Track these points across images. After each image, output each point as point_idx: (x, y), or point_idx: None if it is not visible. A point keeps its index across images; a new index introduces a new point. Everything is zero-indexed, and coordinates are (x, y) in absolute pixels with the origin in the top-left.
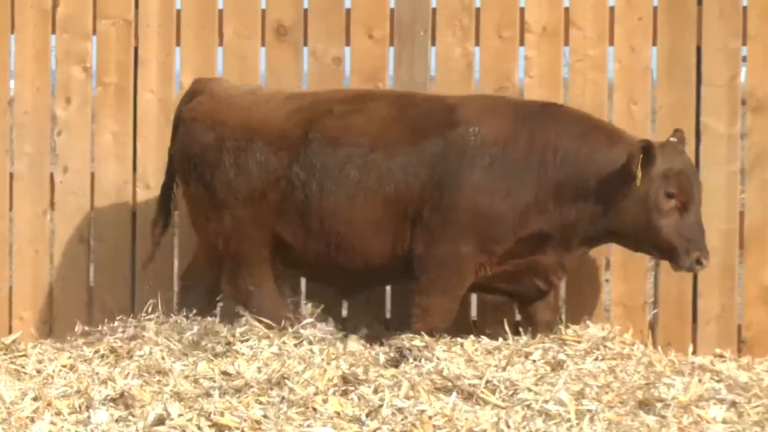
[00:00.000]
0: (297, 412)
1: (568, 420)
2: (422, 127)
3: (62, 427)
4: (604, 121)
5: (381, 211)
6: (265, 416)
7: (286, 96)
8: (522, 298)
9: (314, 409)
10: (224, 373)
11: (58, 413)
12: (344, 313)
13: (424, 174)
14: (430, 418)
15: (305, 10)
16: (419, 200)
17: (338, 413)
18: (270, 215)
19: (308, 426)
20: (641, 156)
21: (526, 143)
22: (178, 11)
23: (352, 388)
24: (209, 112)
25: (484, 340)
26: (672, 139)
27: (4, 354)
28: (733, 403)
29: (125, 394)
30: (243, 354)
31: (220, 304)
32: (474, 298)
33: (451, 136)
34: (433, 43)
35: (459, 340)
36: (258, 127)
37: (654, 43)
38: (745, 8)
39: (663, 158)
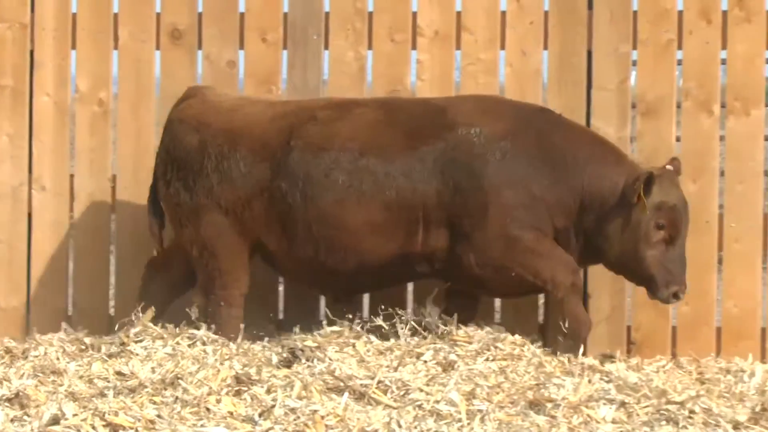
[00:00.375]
0: (191, 412)
1: (459, 420)
2: (417, 131)
3: None
4: (605, 139)
5: (380, 215)
6: (159, 416)
7: (271, 102)
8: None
9: (208, 409)
10: (118, 373)
11: None
12: None
13: (435, 180)
14: (322, 418)
15: (200, 14)
16: (438, 207)
17: (231, 413)
18: (253, 224)
19: (202, 426)
20: (644, 184)
21: (535, 139)
22: (74, 15)
23: (245, 388)
24: (196, 115)
25: (376, 341)
26: (668, 167)
27: None
28: (623, 404)
29: (20, 393)
30: (137, 354)
31: (194, 312)
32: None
33: (452, 139)
34: (326, 47)
35: (351, 340)
36: (241, 133)
37: (545, 47)
38: (635, 13)
39: (660, 189)
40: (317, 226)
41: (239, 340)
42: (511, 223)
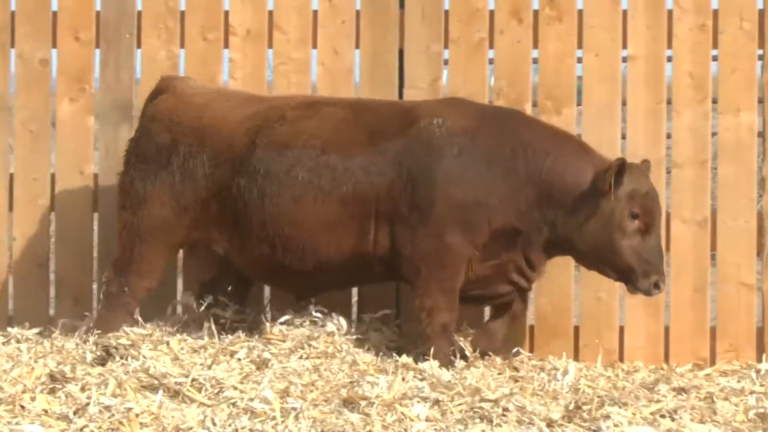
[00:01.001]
0: (5, 410)
1: (274, 418)
2: (382, 130)
3: None
4: (571, 134)
5: (336, 211)
6: None
7: (245, 98)
8: (494, 304)
9: (22, 407)
10: None
11: None
12: None
13: (391, 171)
14: (137, 416)
15: (12, 12)
16: (388, 198)
17: (46, 411)
18: (207, 222)
19: (17, 424)
20: (615, 173)
21: (496, 135)
22: None
23: (60, 386)
24: (168, 112)
25: (190, 339)
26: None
27: None
28: (437, 401)
29: None
30: None
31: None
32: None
33: (413, 131)
34: (139, 46)
35: (165, 338)
36: (209, 132)
37: (357, 46)
38: (446, 12)
39: (630, 178)
40: (274, 224)
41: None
42: (448, 229)
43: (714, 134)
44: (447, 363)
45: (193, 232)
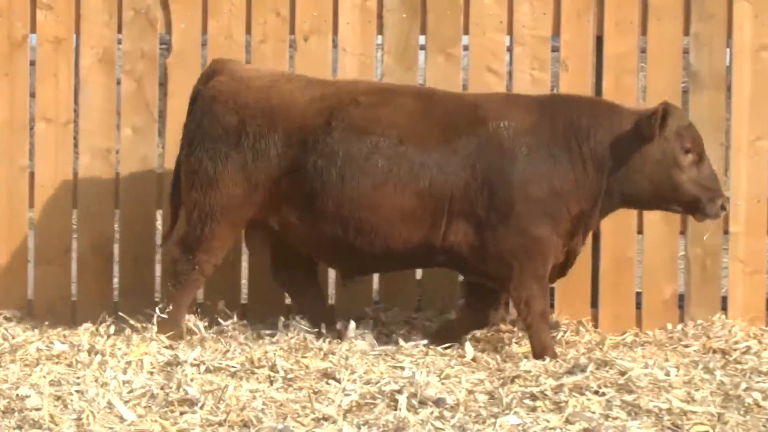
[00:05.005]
0: None
1: None
2: (452, 125)
3: None
4: (596, 98)
5: (413, 203)
6: None
7: (306, 80)
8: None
9: None
10: None
11: None
12: None
13: (464, 173)
14: None
15: None
16: (464, 199)
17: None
18: (278, 200)
19: None
20: (661, 117)
21: (550, 127)
22: None
23: None
24: (231, 94)
25: None
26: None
27: None
28: None
29: None
30: None
31: None
32: None
33: (484, 134)
34: None
35: None
36: (279, 112)
37: None
38: None
39: (672, 117)
40: (351, 207)
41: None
42: (532, 223)
43: None
44: (550, 347)
45: (262, 210)
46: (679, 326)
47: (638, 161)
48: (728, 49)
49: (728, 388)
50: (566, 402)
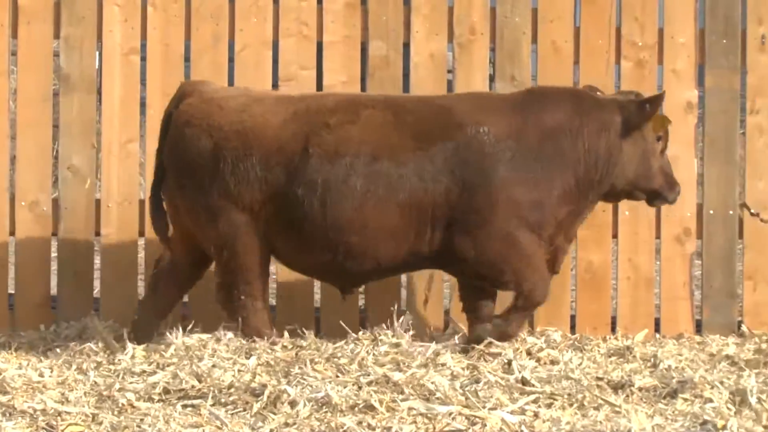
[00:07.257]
0: None
1: None
2: (425, 132)
3: None
4: (581, 89)
5: (396, 218)
6: None
7: (275, 98)
8: None
9: None
10: None
11: None
12: None
13: (445, 178)
14: None
15: None
16: (446, 206)
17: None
18: (267, 225)
19: None
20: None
21: (533, 130)
22: None
23: None
24: (203, 116)
25: None
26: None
27: None
28: None
29: None
30: None
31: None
32: None
33: (462, 139)
34: None
35: None
36: (253, 135)
37: None
38: None
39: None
40: (336, 233)
41: (271, 331)
42: (513, 224)
43: None
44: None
45: (261, 237)
46: (52, 327)
47: (624, 154)
48: (98, 53)
49: (102, 389)
50: None
